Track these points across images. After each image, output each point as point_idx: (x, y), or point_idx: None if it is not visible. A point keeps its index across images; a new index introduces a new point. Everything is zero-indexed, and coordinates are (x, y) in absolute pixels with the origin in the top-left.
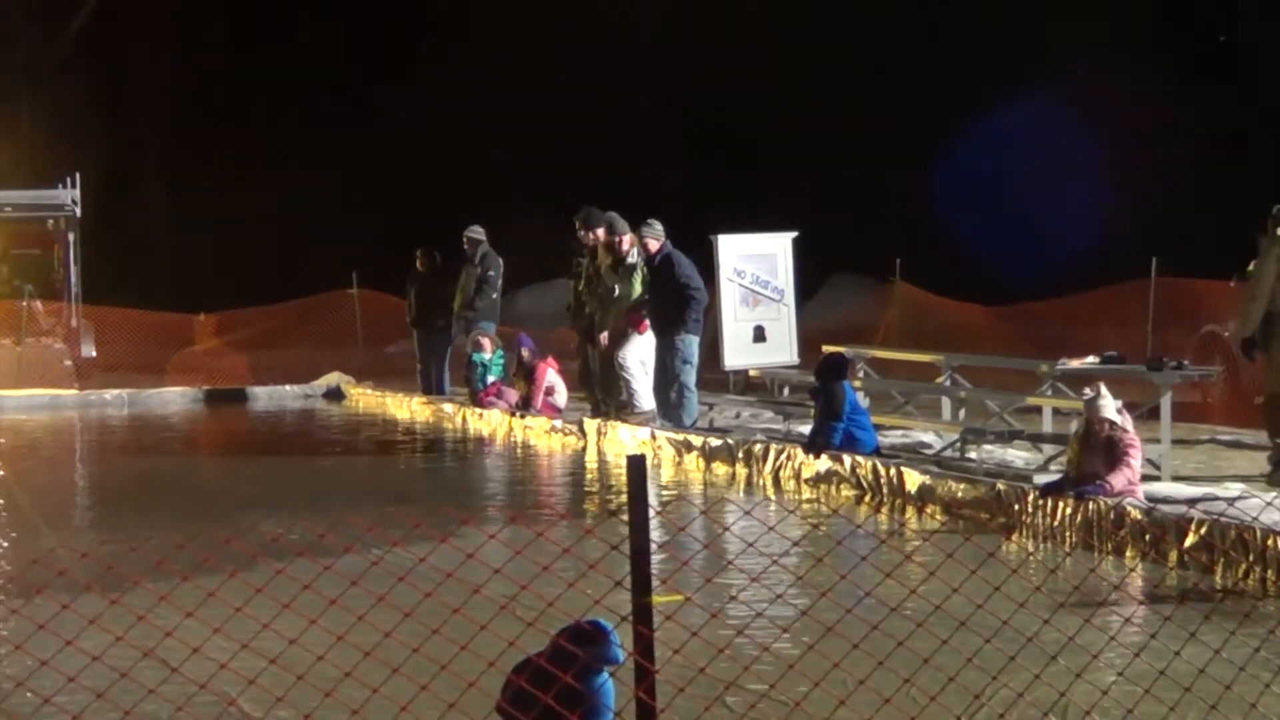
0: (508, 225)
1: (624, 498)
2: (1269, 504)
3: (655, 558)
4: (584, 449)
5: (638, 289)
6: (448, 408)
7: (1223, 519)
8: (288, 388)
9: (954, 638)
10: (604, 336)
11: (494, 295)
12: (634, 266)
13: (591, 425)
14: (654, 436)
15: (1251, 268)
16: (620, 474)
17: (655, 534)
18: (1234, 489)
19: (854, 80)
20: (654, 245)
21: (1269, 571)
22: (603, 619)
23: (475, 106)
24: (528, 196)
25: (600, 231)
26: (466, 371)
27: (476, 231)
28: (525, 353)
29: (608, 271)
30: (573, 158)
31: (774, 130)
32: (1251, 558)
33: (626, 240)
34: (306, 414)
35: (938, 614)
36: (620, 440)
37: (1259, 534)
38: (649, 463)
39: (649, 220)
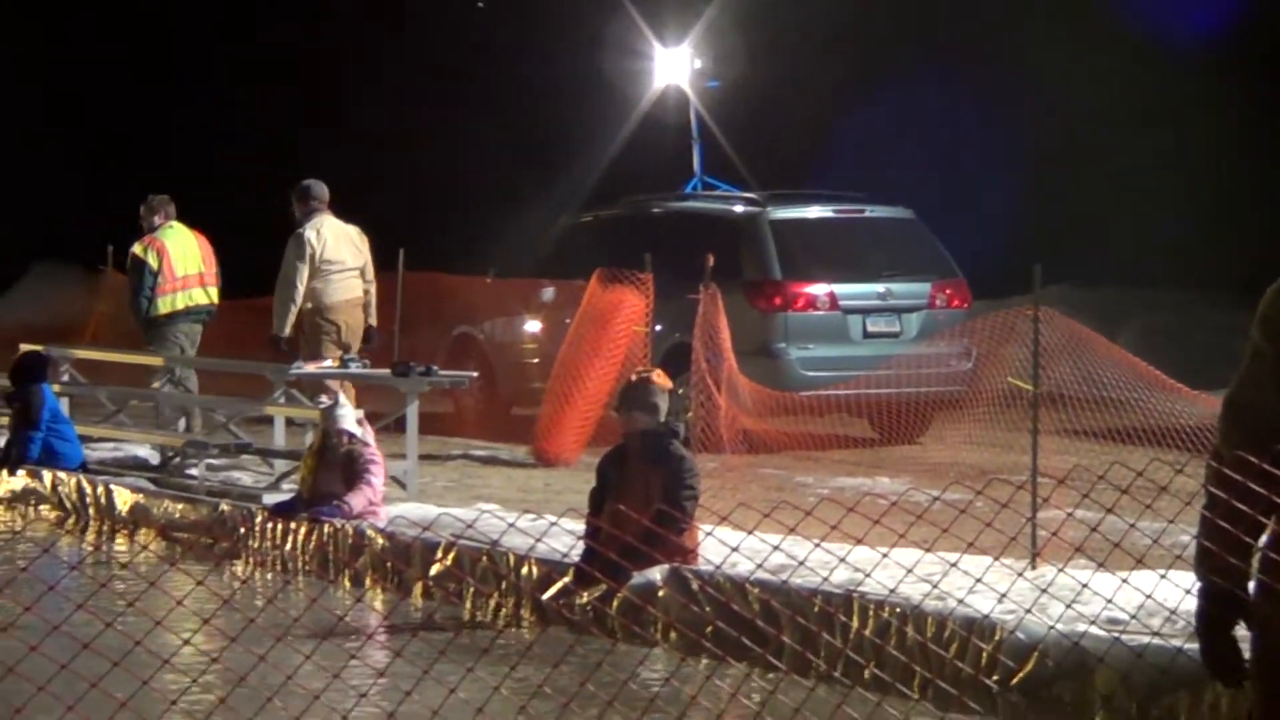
0: None
1: None
2: (511, 525)
3: None
4: None
5: None
6: None
7: (463, 541)
8: None
9: (156, 678)
10: None
11: None
12: None
13: None
14: None
15: None
16: None
17: None
18: (483, 509)
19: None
20: None
21: (522, 602)
22: None
23: None
24: None
25: None
26: None
27: None
28: None
29: None
30: None
31: None
32: (503, 588)
33: None
34: None
35: (138, 651)
36: None
37: (511, 561)
38: None
39: None
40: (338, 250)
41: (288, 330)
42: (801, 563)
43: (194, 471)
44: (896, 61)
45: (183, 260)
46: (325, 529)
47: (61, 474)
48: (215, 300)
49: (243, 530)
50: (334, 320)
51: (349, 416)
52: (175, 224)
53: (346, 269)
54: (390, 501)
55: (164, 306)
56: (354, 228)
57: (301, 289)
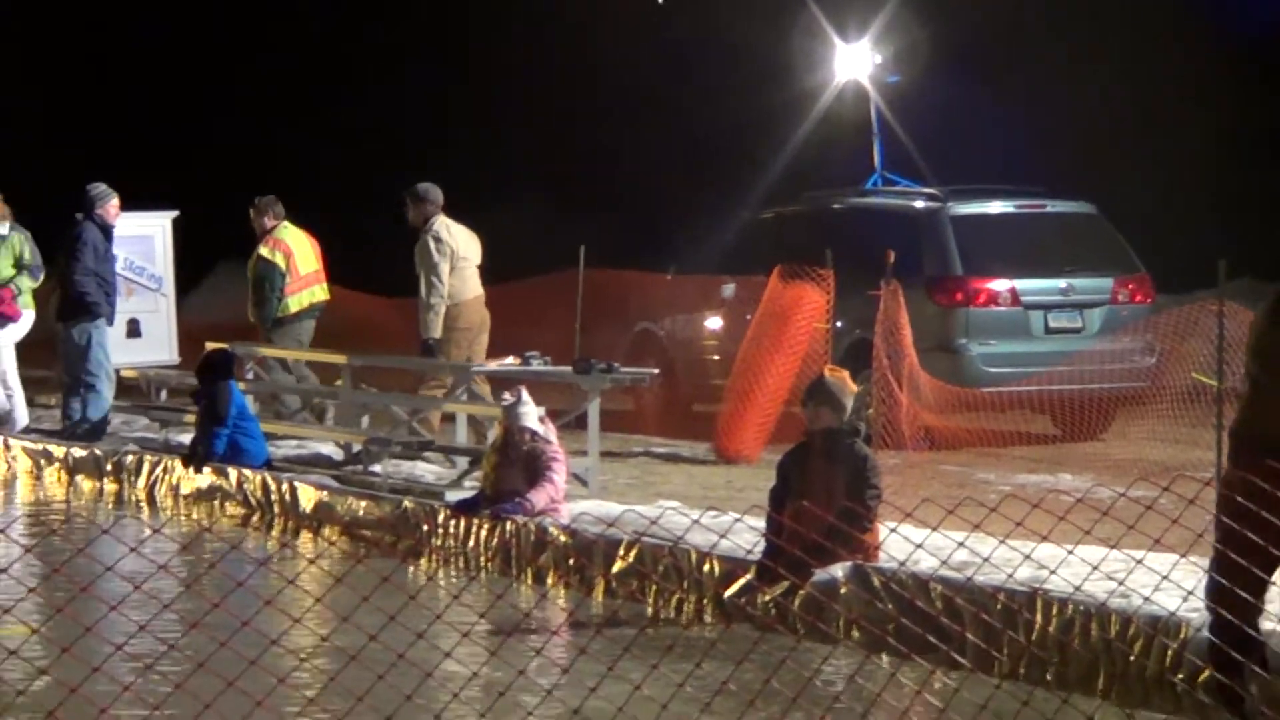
0: None
1: None
2: (695, 522)
3: None
4: None
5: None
6: None
7: (647, 538)
8: None
9: (344, 673)
10: None
11: None
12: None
13: None
14: (7, 446)
15: None
16: None
17: None
18: (665, 506)
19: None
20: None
21: (704, 599)
22: None
23: None
24: None
25: None
26: None
27: None
28: None
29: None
30: None
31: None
32: (686, 585)
33: None
34: None
35: (325, 647)
36: None
37: (693, 558)
38: None
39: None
40: (467, 247)
41: (438, 331)
42: (985, 559)
43: (377, 469)
44: (1064, 56)
45: (304, 259)
46: (508, 526)
47: (247, 471)
48: (328, 296)
49: (426, 527)
50: (465, 315)
51: (531, 414)
52: (287, 224)
53: (474, 265)
54: (572, 499)
55: (294, 305)
56: (465, 228)
57: (446, 287)
